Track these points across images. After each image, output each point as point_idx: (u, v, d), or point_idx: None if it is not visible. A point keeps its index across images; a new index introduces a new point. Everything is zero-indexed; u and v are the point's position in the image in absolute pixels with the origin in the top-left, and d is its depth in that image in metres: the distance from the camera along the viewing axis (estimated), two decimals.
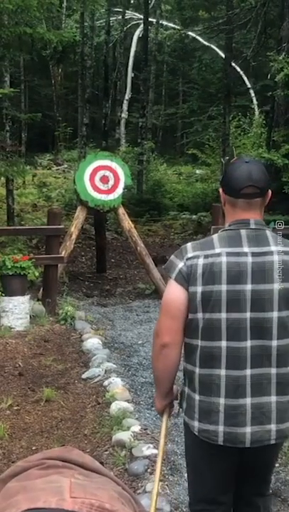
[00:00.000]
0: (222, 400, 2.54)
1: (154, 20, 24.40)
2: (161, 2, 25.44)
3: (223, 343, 2.51)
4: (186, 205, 18.07)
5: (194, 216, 16.17)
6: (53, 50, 18.36)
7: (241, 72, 23.14)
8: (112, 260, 12.11)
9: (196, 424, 2.62)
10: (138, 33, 25.10)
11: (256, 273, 2.50)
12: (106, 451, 4.55)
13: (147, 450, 4.42)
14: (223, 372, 2.53)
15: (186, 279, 2.54)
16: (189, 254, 2.57)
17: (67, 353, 6.91)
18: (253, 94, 23.97)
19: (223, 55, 19.73)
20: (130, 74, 25.05)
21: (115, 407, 5.19)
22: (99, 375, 6.11)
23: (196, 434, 2.63)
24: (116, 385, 5.75)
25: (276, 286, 2.49)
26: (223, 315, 2.49)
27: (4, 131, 13.89)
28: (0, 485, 0.88)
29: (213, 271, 2.51)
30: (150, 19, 21.19)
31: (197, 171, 22.94)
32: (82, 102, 19.51)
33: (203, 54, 25.16)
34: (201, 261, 2.53)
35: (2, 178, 14.95)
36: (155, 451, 4.44)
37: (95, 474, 0.89)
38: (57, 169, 25.94)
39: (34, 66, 27.59)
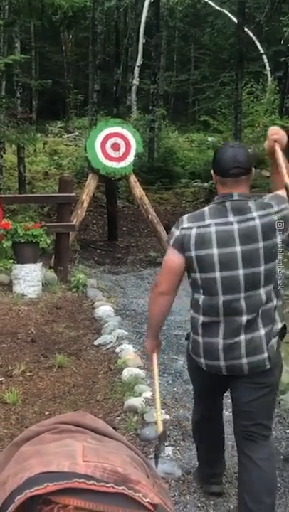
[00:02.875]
0: (221, 340, 3.07)
1: None
2: None
3: (220, 298, 3.02)
4: (197, 172, 17.97)
5: (206, 184, 16.07)
6: (63, 15, 18.11)
7: (254, 38, 22.80)
8: (124, 228, 12.11)
9: (202, 360, 3.16)
10: None
11: (242, 236, 2.98)
12: (118, 416, 4.59)
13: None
14: (221, 318, 3.06)
15: (181, 245, 3.09)
16: (184, 225, 3.11)
17: (79, 320, 6.95)
18: (265, 60, 23.64)
19: (235, 20, 19.42)
20: (141, 40, 24.70)
21: (127, 373, 5.23)
22: (111, 342, 6.14)
23: (204, 369, 3.18)
24: (128, 351, 5.78)
25: (260, 244, 2.97)
26: (217, 274, 3.01)
27: (15, 98, 13.82)
28: (14, 449, 0.89)
29: (204, 239, 3.03)
30: None
31: (209, 138, 22.73)
32: (93, 69, 19.33)
33: (215, 19, 24.79)
34: (194, 231, 3.06)
35: (13, 146, 14.92)
36: (167, 416, 4.49)
37: (108, 439, 0.90)
38: (68, 137, 25.78)
39: (45, 32, 27.30)
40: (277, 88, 19.81)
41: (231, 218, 3.01)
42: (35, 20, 17.80)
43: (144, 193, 9.69)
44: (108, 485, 0.75)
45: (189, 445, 4.13)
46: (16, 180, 14.67)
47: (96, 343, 6.20)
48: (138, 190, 9.56)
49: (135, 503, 0.75)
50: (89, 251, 10.35)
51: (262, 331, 3.02)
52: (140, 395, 4.84)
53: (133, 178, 9.49)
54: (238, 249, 2.98)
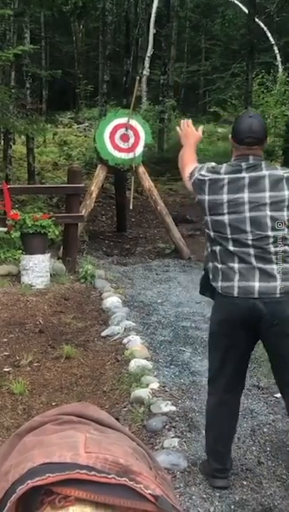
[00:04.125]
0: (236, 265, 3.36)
1: None
2: None
3: (229, 236, 3.36)
4: None
5: None
6: (73, 5, 18.07)
7: (265, 28, 22.66)
8: (132, 219, 12.11)
9: (219, 284, 3.42)
10: None
11: (251, 185, 3.35)
12: (125, 407, 4.61)
13: (165, 407, 4.47)
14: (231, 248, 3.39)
15: (198, 186, 3.51)
16: (202, 172, 3.52)
17: (87, 311, 6.97)
18: (276, 51, 23.50)
19: (246, 11, 19.31)
20: (152, 30, 24.56)
21: (134, 364, 5.24)
22: (118, 333, 6.15)
23: (220, 291, 3.42)
24: (135, 342, 5.79)
25: (267, 194, 3.33)
26: (226, 216, 3.36)
27: (25, 88, 13.81)
28: (16, 439, 0.89)
29: (216, 186, 3.42)
30: None
31: (219, 130, 22.67)
32: (103, 59, 19.28)
33: (226, 9, 24.66)
34: (208, 179, 3.47)
35: (23, 137, 14.92)
36: (173, 408, 4.50)
37: (110, 430, 0.90)
38: (78, 127, 25.75)
39: (55, 22, 27.23)
40: (288, 79, 19.70)
41: (244, 174, 3.39)
42: (46, 10, 17.81)
43: (152, 184, 9.68)
44: (110, 476, 0.75)
45: (195, 436, 4.14)
46: (25, 171, 14.69)
47: (103, 334, 6.21)
48: (147, 182, 9.55)
49: (137, 494, 0.75)
50: (97, 242, 10.36)
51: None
52: (147, 386, 4.85)
53: (142, 169, 9.48)
54: (245, 195, 3.35)
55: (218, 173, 3.44)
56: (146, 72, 23.57)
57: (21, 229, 7.73)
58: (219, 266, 3.40)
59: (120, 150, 9.22)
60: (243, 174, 3.37)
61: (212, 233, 3.43)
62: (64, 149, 18.92)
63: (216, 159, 14.23)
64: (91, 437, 0.82)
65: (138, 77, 15.05)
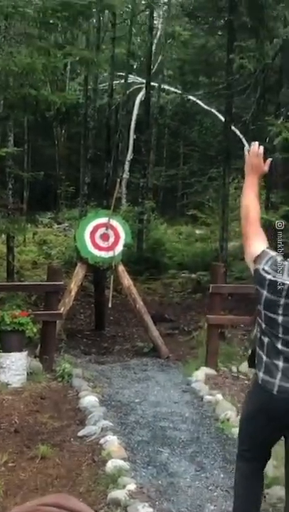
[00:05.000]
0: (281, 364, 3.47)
1: (156, 84, 24.93)
2: (163, 67, 26.03)
3: (280, 335, 3.50)
4: (185, 264, 18.13)
5: (193, 275, 16.21)
6: (56, 111, 18.75)
7: (241, 136, 23.50)
8: (111, 318, 12.10)
9: (260, 375, 3.54)
10: (140, 96, 25.60)
11: None
12: (101, 509, 4.49)
13: (143, 509, 4.37)
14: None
15: (258, 279, 3.57)
16: (266, 267, 3.53)
17: (63, 410, 6.86)
18: None
19: (222, 119, 20.10)
20: (132, 136, 25.45)
21: (111, 465, 5.14)
22: (95, 433, 6.05)
23: (259, 382, 3.54)
24: (112, 443, 5.70)
25: None
26: (280, 317, 3.48)
27: (7, 189, 14.07)
28: None
29: (275, 288, 3.49)
30: (152, 83, 21.70)
31: (197, 231, 23.07)
32: (85, 162, 19.80)
33: (203, 117, 25.63)
34: (268, 278, 3.51)
35: (3, 236, 15.07)
36: (150, 510, 4.39)
37: None
38: (58, 227, 26.09)
39: (38, 126, 28.05)
40: (263, 184, 20.26)
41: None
42: (29, 115, 18.43)
43: (131, 283, 9.77)
44: None
45: None
46: (4, 270, 14.73)
47: (80, 434, 6.11)
48: (126, 280, 9.64)
49: None
50: (75, 340, 10.31)
51: None
52: (124, 487, 4.75)
53: (121, 268, 9.59)
54: None
55: (280, 275, 3.49)
56: (126, 175, 24.19)
57: None
58: (264, 358, 3.53)
59: (100, 249, 9.35)
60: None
61: (263, 325, 3.56)
62: (44, 248, 19.10)
63: (194, 259, 14.33)
64: None
65: (118, 180, 15.45)
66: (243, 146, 24.02)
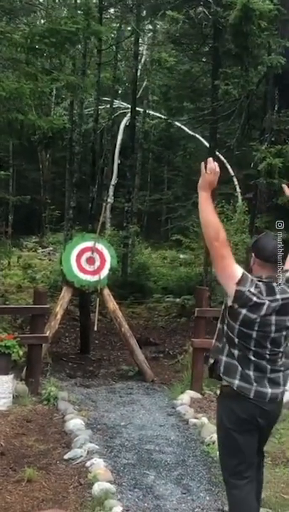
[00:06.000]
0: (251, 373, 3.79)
1: (141, 109, 25.18)
2: (148, 93, 26.31)
3: (252, 348, 3.80)
4: (170, 288, 18.20)
5: (178, 299, 16.28)
6: (41, 135, 18.86)
7: (225, 161, 23.75)
8: (96, 341, 12.11)
9: (235, 382, 3.79)
10: (125, 121, 25.87)
11: (281, 309, 3.81)
12: None
13: None
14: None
15: (242, 299, 3.77)
16: (252, 289, 3.78)
17: (49, 433, 6.86)
18: (236, 182, 24.49)
19: (207, 144, 20.32)
20: (117, 160, 25.66)
21: (97, 487, 5.15)
22: (81, 456, 6.05)
23: (234, 388, 3.78)
24: (98, 466, 5.70)
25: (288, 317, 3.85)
26: (254, 332, 3.79)
27: None
28: None
29: (256, 308, 3.77)
30: (137, 108, 21.90)
31: (181, 256, 23.18)
32: (70, 186, 19.88)
33: (187, 143, 25.84)
34: (254, 301, 3.77)
35: None
36: None
37: None
38: (42, 251, 26.16)
39: (23, 151, 28.17)
40: (247, 209, 20.44)
41: (278, 296, 3.80)
42: (14, 139, 18.50)
43: (117, 306, 9.81)
44: None
45: None
46: None
47: (66, 456, 6.10)
48: (112, 304, 9.68)
49: None
50: (61, 364, 10.30)
51: None
52: (110, 510, 4.76)
53: (107, 292, 9.63)
54: (273, 318, 3.79)
55: (262, 296, 3.78)
56: (110, 199, 24.34)
57: None
58: (239, 368, 3.79)
59: (86, 272, 9.40)
60: (278, 296, 3.82)
61: (236, 339, 3.80)
62: (28, 272, 19.11)
63: (179, 283, 14.39)
64: None
65: (104, 204, 15.53)
66: (228, 171, 24.33)
